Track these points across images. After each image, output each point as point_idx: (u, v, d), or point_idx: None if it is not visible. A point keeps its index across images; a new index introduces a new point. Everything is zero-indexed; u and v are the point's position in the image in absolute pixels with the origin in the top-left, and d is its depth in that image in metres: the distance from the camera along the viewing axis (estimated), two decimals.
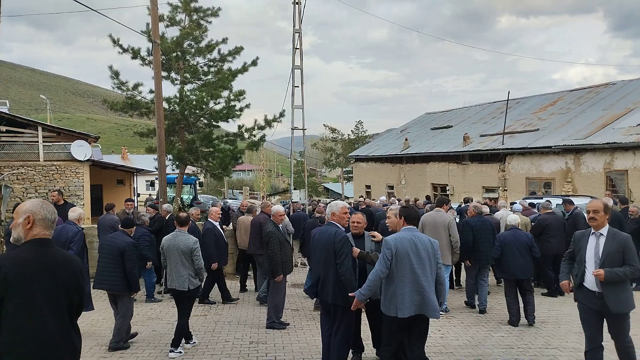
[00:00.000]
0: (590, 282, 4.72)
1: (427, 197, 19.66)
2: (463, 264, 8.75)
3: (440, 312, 4.79)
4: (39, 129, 18.40)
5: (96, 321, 7.63)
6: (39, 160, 18.14)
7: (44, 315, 2.58)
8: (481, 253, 8.34)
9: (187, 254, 6.18)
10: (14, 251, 2.71)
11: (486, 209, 9.55)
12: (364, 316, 5.80)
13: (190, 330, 6.53)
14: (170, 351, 6.07)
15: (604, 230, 4.73)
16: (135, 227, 7.29)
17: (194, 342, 6.49)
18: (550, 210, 9.76)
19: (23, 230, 2.71)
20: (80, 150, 18.51)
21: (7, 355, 2.50)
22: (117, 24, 11.32)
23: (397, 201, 14.96)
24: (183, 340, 6.26)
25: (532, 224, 9.88)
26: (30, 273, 2.59)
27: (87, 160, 18.79)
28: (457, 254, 8.05)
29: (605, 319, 4.72)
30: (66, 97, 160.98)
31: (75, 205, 9.69)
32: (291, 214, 13.70)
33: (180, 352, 6.08)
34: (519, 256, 7.38)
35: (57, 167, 18.38)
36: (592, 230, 4.80)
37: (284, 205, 16.46)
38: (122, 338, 6.30)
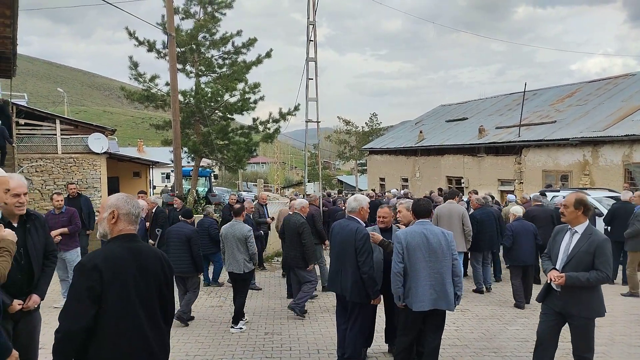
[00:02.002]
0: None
1: (440, 190, 19.49)
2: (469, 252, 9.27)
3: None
4: (57, 121, 18.64)
5: None
6: (57, 153, 18.40)
7: (139, 315, 2.56)
8: (484, 241, 9.08)
9: (242, 240, 6.87)
10: (105, 247, 2.68)
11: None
12: (379, 311, 5.78)
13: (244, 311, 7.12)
14: (231, 327, 6.84)
15: (580, 227, 4.35)
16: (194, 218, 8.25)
17: (246, 320, 7.11)
18: (540, 203, 10.07)
19: (108, 225, 2.69)
20: (97, 142, 18.72)
21: (111, 358, 2.49)
22: (133, 17, 11.36)
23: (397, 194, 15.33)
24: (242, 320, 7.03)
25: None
26: (122, 269, 2.56)
27: (104, 152, 19.01)
28: (470, 241, 8.74)
29: (569, 326, 4.40)
30: (83, 90, 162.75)
31: (88, 198, 10.05)
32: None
33: (240, 328, 6.83)
34: (526, 244, 8.01)
35: (75, 159, 18.63)
36: (569, 226, 4.46)
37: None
38: (190, 310, 7.12)
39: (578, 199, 4.38)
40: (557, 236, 4.58)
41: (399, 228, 5.52)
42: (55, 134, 18.43)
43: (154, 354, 2.61)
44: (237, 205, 7.65)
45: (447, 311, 4.67)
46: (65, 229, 7.61)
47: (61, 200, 7.81)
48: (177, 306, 7.26)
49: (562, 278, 4.21)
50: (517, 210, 8.60)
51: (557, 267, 4.42)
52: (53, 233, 7.40)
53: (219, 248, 8.54)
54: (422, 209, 4.83)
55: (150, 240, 8.92)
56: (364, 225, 5.28)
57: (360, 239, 5.00)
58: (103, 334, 2.47)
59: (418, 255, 4.54)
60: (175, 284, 7.06)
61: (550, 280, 4.35)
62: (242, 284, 6.98)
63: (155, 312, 2.66)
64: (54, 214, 7.73)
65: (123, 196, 2.78)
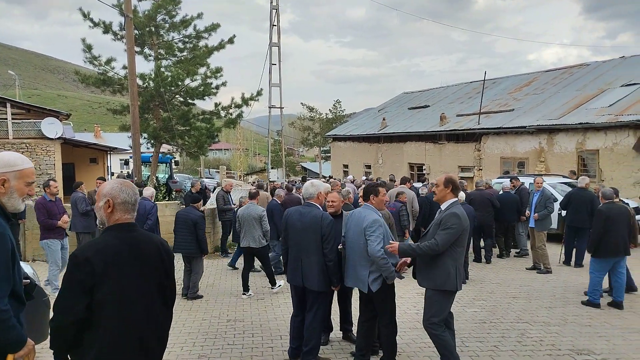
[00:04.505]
0: None
1: (391, 176, 19.42)
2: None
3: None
4: (8, 105, 17.83)
5: None
6: (8, 138, 17.62)
7: (134, 307, 2.52)
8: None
9: (257, 220, 7.97)
10: (99, 238, 2.61)
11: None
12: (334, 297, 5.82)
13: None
14: (271, 288, 8.22)
15: (445, 205, 4.54)
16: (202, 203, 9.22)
17: (280, 285, 8.18)
18: (480, 188, 11.04)
19: (105, 214, 2.61)
20: (51, 127, 18.01)
21: (104, 349, 2.45)
22: None
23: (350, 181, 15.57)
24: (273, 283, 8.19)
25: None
26: (116, 261, 2.50)
27: (59, 138, 18.33)
28: (415, 221, 10.26)
29: None
30: (35, 73, 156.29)
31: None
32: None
33: (279, 285, 8.16)
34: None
35: (27, 145, 17.89)
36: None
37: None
38: (197, 290, 7.92)
39: (448, 178, 4.60)
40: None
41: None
42: (6, 119, 17.63)
43: (149, 348, 2.58)
44: (253, 190, 8.97)
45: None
46: (66, 216, 7.79)
47: (57, 187, 7.95)
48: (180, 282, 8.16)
49: (394, 247, 4.44)
50: (460, 195, 9.35)
51: None
52: (65, 219, 7.69)
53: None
54: (364, 191, 5.07)
55: None
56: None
57: (327, 225, 4.88)
58: (96, 325, 2.45)
59: (347, 236, 4.87)
60: (184, 262, 7.93)
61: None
62: (261, 257, 8.15)
63: (154, 304, 2.61)
64: (50, 200, 7.73)
65: (118, 184, 2.67)
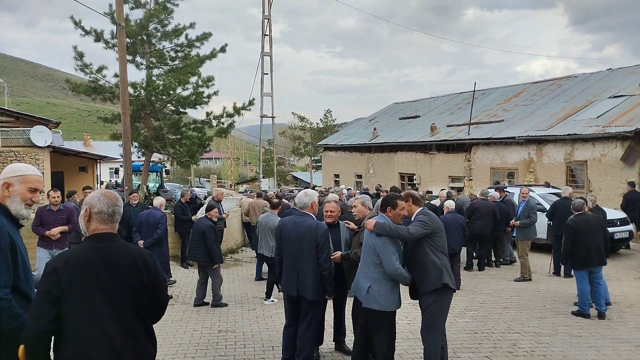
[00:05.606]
0: None
1: (377, 187, 19.26)
2: None
3: None
4: None
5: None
6: None
7: (104, 319, 2.41)
8: None
9: (273, 230, 7.57)
10: (72, 249, 2.59)
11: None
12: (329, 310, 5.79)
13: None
14: (264, 299, 8.16)
15: (414, 216, 4.73)
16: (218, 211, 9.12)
17: (273, 301, 8.05)
18: (485, 197, 11.07)
19: (84, 223, 2.58)
20: (40, 136, 17.89)
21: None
22: (80, 5, 10.88)
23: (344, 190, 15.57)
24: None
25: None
26: (86, 273, 2.42)
27: (48, 146, 18.20)
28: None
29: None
30: (25, 81, 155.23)
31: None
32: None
33: (273, 301, 8.05)
34: (456, 234, 8.95)
35: (16, 153, 17.73)
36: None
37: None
38: (219, 298, 7.96)
39: (405, 193, 4.96)
40: None
41: (348, 225, 5.51)
42: None
43: (122, 359, 2.48)
44: (276, 200, 9.22)
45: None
46: (66, 227, 7.52)
47: (58, 197, 7.73)
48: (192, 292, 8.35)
49: (370, 224, 4.47)
50: (450, 204, 9.76)
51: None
52: (54, 230, 7.36)
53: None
54: (382, 202, 4.90)
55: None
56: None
57: (322, 234, 4.86)
58: (67, 336, 2.40)
59: (365, 242, 4.69)
60: (198, 271, 8.22)
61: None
62: (270, 266, 8.14)
63: (127, 316, 2.51)
64: (51, 210, 7.59)
65: (98, 193, 2.64)
